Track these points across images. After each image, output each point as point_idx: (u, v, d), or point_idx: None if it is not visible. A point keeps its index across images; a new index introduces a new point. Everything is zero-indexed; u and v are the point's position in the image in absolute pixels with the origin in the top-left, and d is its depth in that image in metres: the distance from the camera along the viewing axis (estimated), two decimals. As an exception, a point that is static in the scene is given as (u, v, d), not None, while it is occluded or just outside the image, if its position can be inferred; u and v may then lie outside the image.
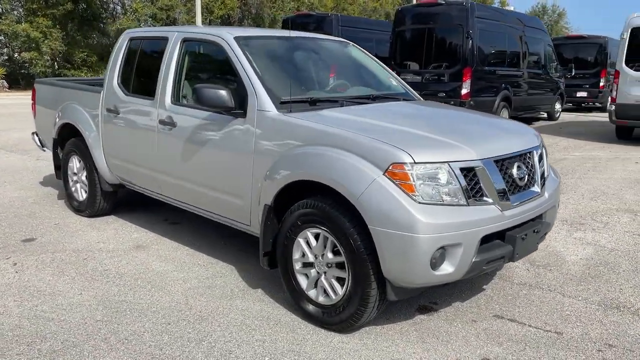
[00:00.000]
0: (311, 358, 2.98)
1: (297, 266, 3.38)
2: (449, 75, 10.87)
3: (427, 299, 3.67)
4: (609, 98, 11.21)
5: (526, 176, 3.32)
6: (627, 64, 10.49)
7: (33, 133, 6.31)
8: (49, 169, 7.60)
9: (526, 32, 12.81)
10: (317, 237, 3.24)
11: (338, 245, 3.09)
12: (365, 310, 3.05)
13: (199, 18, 24.71)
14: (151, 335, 3.19)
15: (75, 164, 5.44)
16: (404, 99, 4.34)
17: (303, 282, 3.37)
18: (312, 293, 3.32)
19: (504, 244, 3.14)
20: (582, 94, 17.37)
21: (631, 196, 6.60)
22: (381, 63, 4.81)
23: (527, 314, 3.51)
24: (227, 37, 3.94)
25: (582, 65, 17.00)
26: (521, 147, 3.38)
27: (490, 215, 3.00)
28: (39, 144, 6.21)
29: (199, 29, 4.31)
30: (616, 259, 4.50)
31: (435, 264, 2.87)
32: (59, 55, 27.81)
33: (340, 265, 3.15)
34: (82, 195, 5.43)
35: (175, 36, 4.32)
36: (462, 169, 2.97)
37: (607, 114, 16.86)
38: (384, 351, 3.05)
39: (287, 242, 3.37)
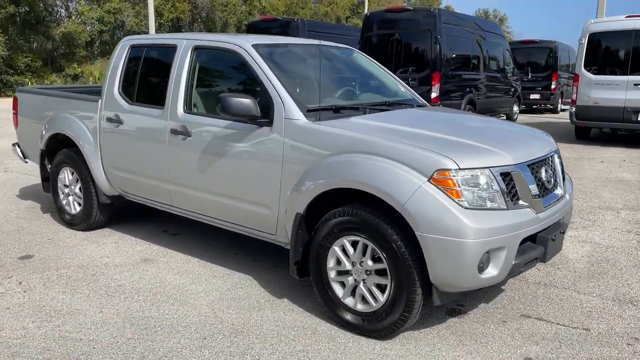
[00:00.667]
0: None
1: (332, 274, 3.37)
2: (418, 80, 11.06)
3: (453, 302, 3.73)
4: (570, 100, 11.71)
5: (552, 179, 3.45)
6: (585, 67, 10.98)
7: (14, 144, 6.02)
8: (22, 180, 7.30)
9: (486, 37, 13.22)
10: (353, 244, 3.25)
11: (379, 252, 3.11)
12: (409, 316, 3.08)
13: (152, 22, 24.15)
14: (190, 351, 3.11)
15: (66, 176, 5.23)
16: (417, 105, 4.40)
17: (339, 290, 3.36)
18: (349, 301, 3.33)
19: (536, 246, 3.24)
20: (535, 96, 18.07)
21: (607, 194, 6.92)
22: (386, 69, 4.86)
23: (552, 312, 3.63)
24: (245, 45, 3.89)
25: (534, 68, 17.67)
26: (545, 151, 3.50)
27: (527, 218, 3.10)
28: (20, 155, 5.93)
29: (211, 37, 4.22)
30: (614, 255, 4.71)
31: (482, 267, 2.93)
32: (1, 60, 26.59)
33: (380, 272, 3.17)
34: (75, 208, 5.22)
35: (184, 44, 4.23)
36: (501, 174, 3.05)
37: (558, 115, 17.71)
38: (428, 356, 3.09)
39: (321, 250, 3.37)
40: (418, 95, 4.68)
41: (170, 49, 4.33)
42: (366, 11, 41.59)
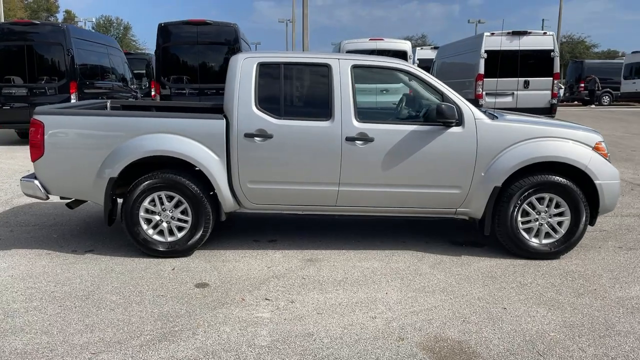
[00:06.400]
0: (570, 271, 4.67)
1: (520, 225, 4.90)
2: (57, 88, 12.20)
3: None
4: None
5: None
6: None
7: (28, 178, 4.89)
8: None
9: (110, 51, 14.90)
10: (539, 200, 4.86)
11: (562, 200, 4.83)
12: (581, 237, 4.91)
13: None
14: (506, 294, 4.18)
15: (158, 201, 4.83)
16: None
17: (526, 235, 4.91)
18: (534, 240, 4.92)
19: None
20: None
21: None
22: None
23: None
24: (408, 63, 4.92)
25: (137, 76, 20.15)
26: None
27: (611, 166, 5.30)
28: (42, 190, 4.89)
29: (367, 58, 4.94)
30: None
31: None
32: None
33: (558, 214, 4.88)
34: (174, 234, 4.88)
35: (341, 63, 4.82)
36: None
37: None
38: (596, 258, 4.97)
39: (513, 209, 4.84)
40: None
41: (321, 67, 4.84)
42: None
